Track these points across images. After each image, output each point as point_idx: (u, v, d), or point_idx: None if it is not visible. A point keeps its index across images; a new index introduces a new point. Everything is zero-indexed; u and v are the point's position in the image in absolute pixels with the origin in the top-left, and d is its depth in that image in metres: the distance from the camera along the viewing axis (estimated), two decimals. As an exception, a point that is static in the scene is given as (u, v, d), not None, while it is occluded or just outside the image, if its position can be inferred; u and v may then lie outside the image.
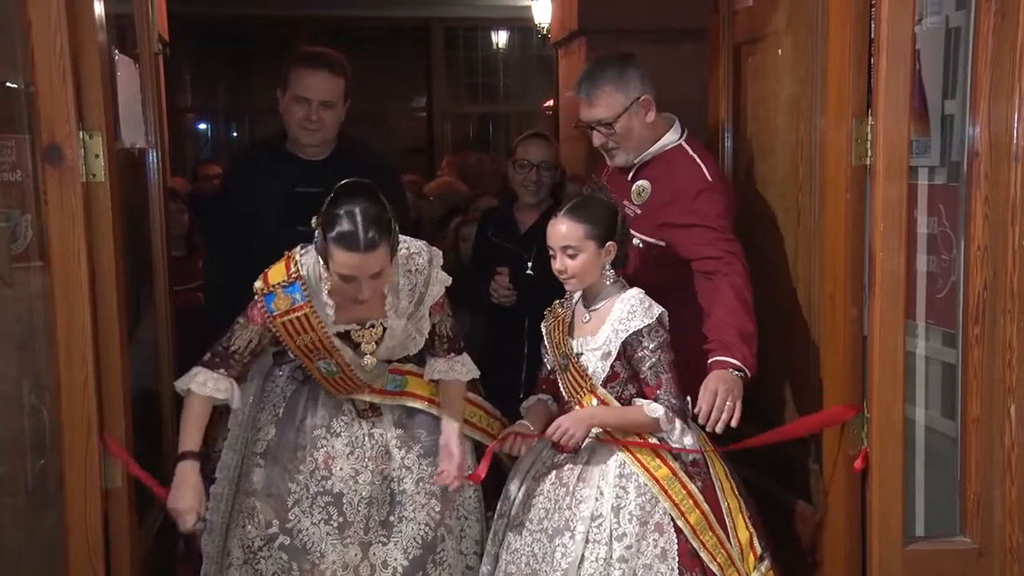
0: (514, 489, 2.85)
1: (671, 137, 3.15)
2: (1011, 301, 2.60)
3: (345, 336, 2.77)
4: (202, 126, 11.93)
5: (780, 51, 3.28)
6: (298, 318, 2.69)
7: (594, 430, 2.71)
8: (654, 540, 2.61)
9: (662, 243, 3.05)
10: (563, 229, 2.69)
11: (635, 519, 2.62)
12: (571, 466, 2.73)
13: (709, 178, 3.08)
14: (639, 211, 3.08)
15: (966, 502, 2.73)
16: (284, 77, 3.31)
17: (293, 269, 2.71)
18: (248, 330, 2.74)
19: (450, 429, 2.85)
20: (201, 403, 2.71)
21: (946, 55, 2.88)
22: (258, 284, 2.72)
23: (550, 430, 2.68)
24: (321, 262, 2.67)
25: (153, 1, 3.43)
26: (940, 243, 2.87)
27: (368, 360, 2.79)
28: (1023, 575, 2.64)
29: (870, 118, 2.58)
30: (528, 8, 9.05)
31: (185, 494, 2.63)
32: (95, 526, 2.57)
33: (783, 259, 3.27)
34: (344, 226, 2.54)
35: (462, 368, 2.95)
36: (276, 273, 2.72)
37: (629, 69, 3.07)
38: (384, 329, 2.80)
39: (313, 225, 2.61)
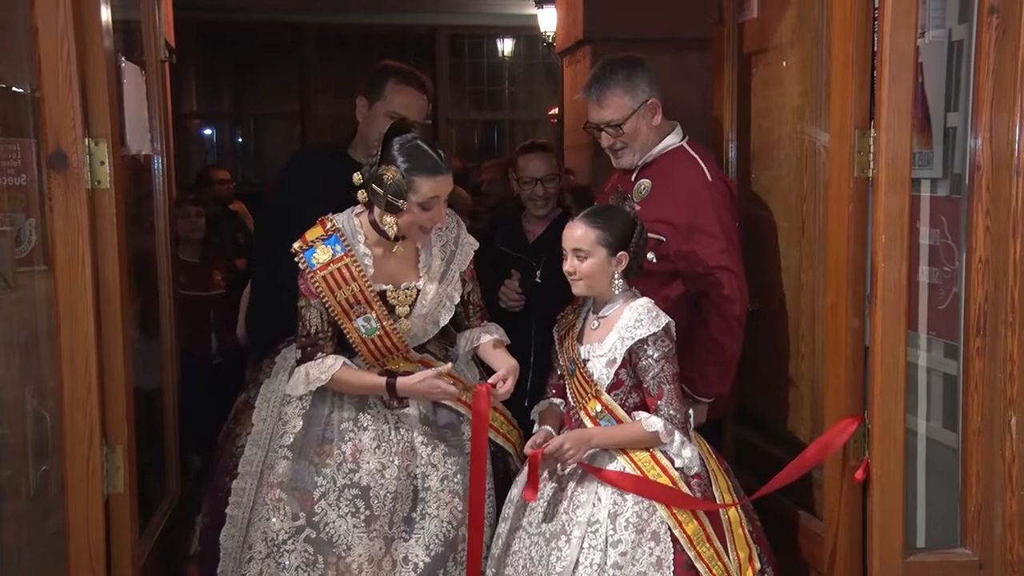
0: (516, 493, 2.87)
1: (673, 139, 3.21)
2: (1012, 313, 2.60)
3: (382, 297, 2.84)
4: (207, 131, 11.94)
5: (785, 62, 3.29)
6: (339, 269, 2.80)
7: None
8: (650, 548, 2.61)
9: (662, 238, 3.08)
10: (577, 232, 2.74)
11: (631, 526, 2.62)
12: (571, 471, 2.74)
13: (709, 178, 3.13)
14: (638, 207, 3.08)
15: (967, 514, 2.73)
16: (376, 87, 3.30)
17: (329, 226, 2.85)
18: (312, 307, 2.84)
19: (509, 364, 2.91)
20: (340, 377, 2.81)
21: (948, 68, 2.88)
22: (296, 245, 2.84)
23: (550, 447, 2.69)
24: (372, 214, 2.83)
25: (160, 8, 3.43)
26: (942, 255, 2.87)
27: (403, 323, 2.87)
28: (1023, 588, 2.65)
29: (873, 130, 2.59)
30: (533, 16, 9.06)
31: (423, 382, 2.77)
32: (97, 532, 2.57)
33: (787, 269, 3.28)
34: (421, 156, 2.74)
35: (497, 331, 3.04)
36: (312, 232, 2.85)
37: (638, 72, 3.13)
38: (417, 292, 2.89)
39: (360, 180, 2.77)
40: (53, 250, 2.51)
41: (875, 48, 2.60)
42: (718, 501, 2.71)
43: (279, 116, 11.55)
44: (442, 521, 2.86)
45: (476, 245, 3.05)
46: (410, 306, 2.89)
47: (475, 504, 2.80)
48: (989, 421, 2.67)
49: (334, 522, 2.79)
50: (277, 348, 3.11)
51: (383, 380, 2.82)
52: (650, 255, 2.81)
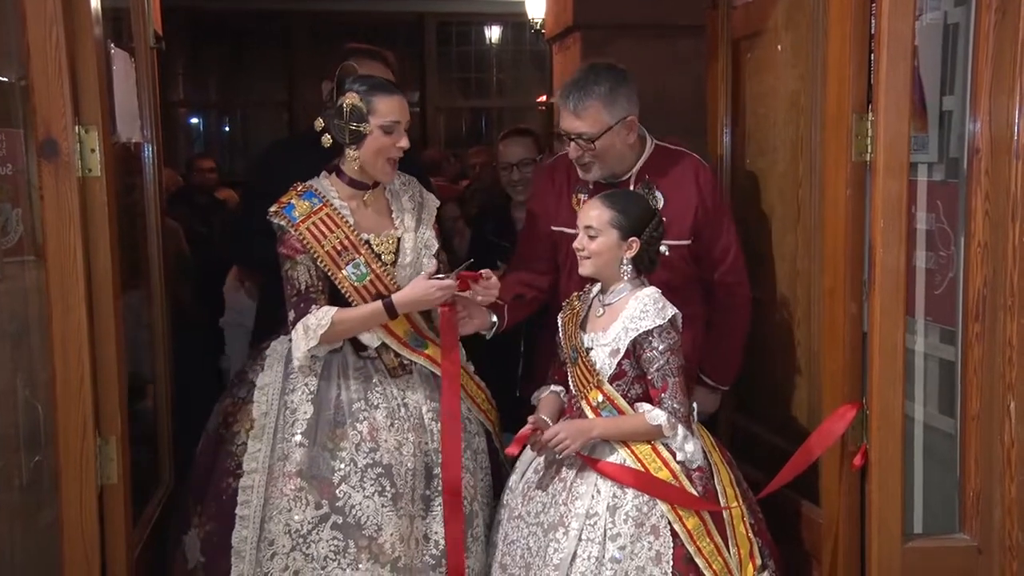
0: (516, 480, 2.85)
1: (649, 142, 3.15)
2: (1011, 298, 2.59)
3: (368, 246, 2.86)
4: (194, 120, 11.89)
5: (780, 47, 3.28)
6: (321, 218, 2.82)
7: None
8: (649, 542, 2.60)
9: (688, 242, 3.10)
10: (592, 211, 2.75)
11: (631, 520, 2.60)
12: (571, 462, 2.72)
13: (705, 164, 3.19)
14: (663, 219, 3.05)
15: (965, 499, 2.73)
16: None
17: (301, 187, 2.88)
18: (299, 264, 2.83)
19: None
20: (340, 319, 2.78)
21: (944, 51, 2.87)
22: (272, 208, 2.84)
23: (547, 435, 2.68)
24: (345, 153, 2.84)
25: (149, -6, 3.40)
26: (938, 240, 2.87)
27: (390, 271, 2.87)
28: (1022, 573, 2.64)
29: (870, 114, 2.57)
30: (522, 3, 9.02)
31: (416, 288, 2.79)
32: (91, 523, 2.55)
33: (783, 255, 3.27)
34: (374, 80, 2.86)
35: None
36: (286, 196, 2.87)
37: (622, 87, 3.01)
38: (398, 240, 2.91)
39: (321, 124, 2.82)
40: (44, 239, 2.49)
41: (872, 31, 2.58)
42: (720, 495, 2.70)
43: (266, 105, 11.51)
44: None
45: (438, 202, 3.09)
46: (394, 254, 2.90)
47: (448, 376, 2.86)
48: (988, 406, 2.66)
49: (360, 504, 2.75)
50: (263, 345, 3.06)
51: (380, 304, 2.81)
52: (663, 247, 2.78)
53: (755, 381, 3.45)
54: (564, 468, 2.73)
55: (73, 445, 2.53)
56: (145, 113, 3.32)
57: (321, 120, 2.83)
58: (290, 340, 2.85)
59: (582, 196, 3.16)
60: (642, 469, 2.64)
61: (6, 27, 2.54)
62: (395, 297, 2.80)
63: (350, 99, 2.77)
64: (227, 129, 12.09)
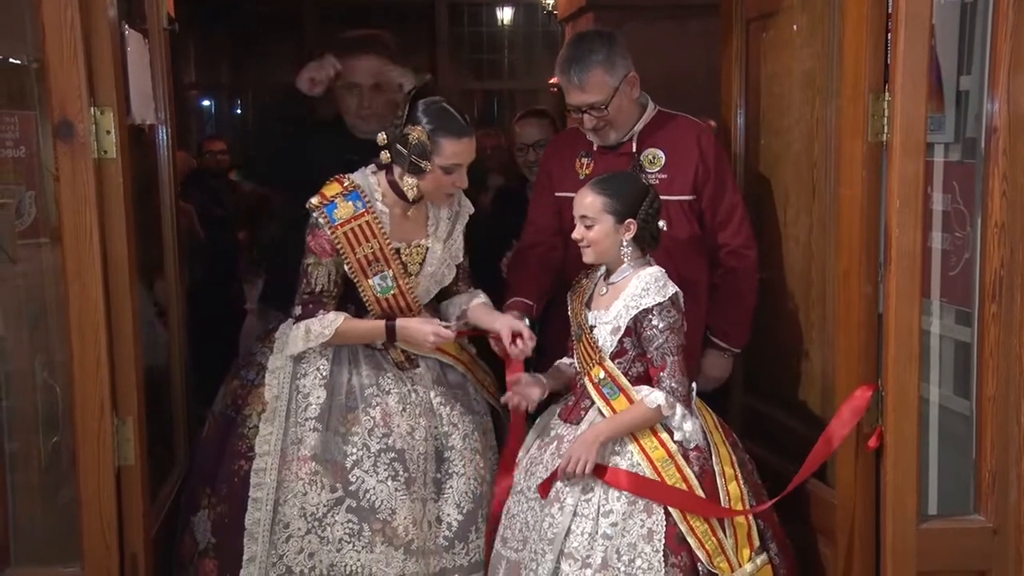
0: (521, 455, 2.88)
1: (651, 105, 3.23)
2: (1028, 279, 2.59)
3: (397, 255, 2.86)
4: (206, 103, 11.88)
5: (795, 26, 3.25)
6: (360, 225, 2.81)
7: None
8: (641, 520, 2.60)
9: (693, 197, 3.16)
10: (585, 200, 2.74)
11: (623, 497, 2.61)
12: (572, 437, 2.73)
13: (707, 128, 3.24)
14: (664, 176, 3.13)
15: (981, 480, 2.72)
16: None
17: (348, 183, 2.84)
18: (321, 266, 2.83)
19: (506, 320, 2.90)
20: (342, 330, 2.80)
21: (962, 30, 2.85)
22: (314, 200, 2.83)
23: (562, 463, 2.65)
24: (401, 171, 2.81)
25: (162, -24, 3.40)
26: (954, 220, 2.86)
27: (413, 281, 2.89)
28: (1039, 553, 2.64)
29: (887, 94, 2.56)
30: (533, -16, 9.01)
31: (424, 330, 2.78)
32: (109, 503, 2.57)
33: (798, 237, 3.26)
34: (447, 117, 2.76)
35: (484, 296, 3.05)
36: (331, 188, 2.84)
37: (615, 48, 3.10)
38: (426, 251, 2.91)
39: (384, 140, 2.78)
40: (60, 221, 2.49)
41: (889, 9, 2.56)
42: (718, 475, 2.69)
43: (278, 87, 11.48)
44: (469, 478, 2.88)
45: (472, 209, 3.07)
46: (420, 264, 2.91)
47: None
48: (1004, 387, 2.65)
49: (374, 488, 2.77)
50: (271, 327, 3.07)
51: (382, 325, 2.83)
52: (661, 223, 2.78)
53: (769, 363, 3.45)
54: (564, 444, 2.73)
55: (90, 426, 2.54)
56: (159, 95, 3.32)
57: (384, 136, 2.80)
58: None
59: (585, 160, 3.25)
60: (632, 440, 2.65)
61: (20, 9, 2.53)
62: (399, 323, 2.82)
63: (417, 133, 2.74)
64: (239, 112, 12.08)
